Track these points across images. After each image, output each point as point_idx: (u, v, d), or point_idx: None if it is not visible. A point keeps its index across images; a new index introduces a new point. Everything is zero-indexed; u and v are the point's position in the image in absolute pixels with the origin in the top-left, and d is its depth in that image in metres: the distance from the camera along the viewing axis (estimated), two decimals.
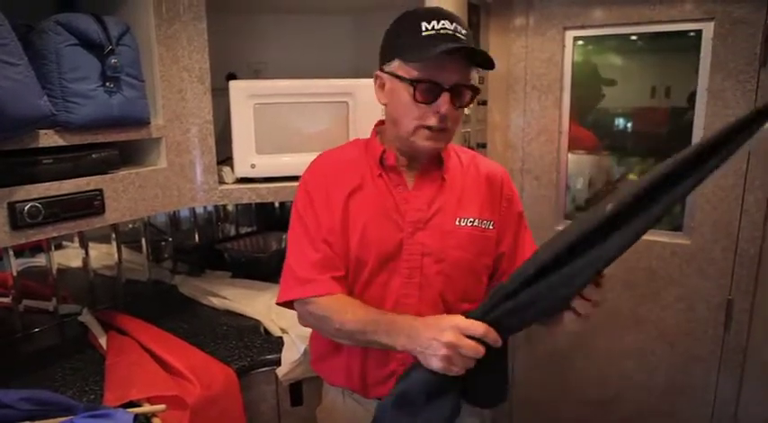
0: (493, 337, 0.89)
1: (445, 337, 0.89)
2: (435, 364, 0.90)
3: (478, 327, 0.89)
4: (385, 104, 1.13)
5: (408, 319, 0.99)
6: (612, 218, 0.81)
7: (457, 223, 1.13)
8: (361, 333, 1.03)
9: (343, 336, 1.08)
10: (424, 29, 1.01)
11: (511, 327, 0.90)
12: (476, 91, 1.07)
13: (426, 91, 1.03)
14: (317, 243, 1.12)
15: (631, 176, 2.18)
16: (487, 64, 1.04)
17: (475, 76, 1.09)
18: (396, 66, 1.06)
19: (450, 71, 1.02)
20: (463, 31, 1.02)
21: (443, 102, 1.02)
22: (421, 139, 1.07)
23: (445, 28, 1.01)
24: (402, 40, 1.05)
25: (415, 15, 1.05)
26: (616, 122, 2.18)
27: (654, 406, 2.11)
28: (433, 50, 0.98)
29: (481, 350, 0.89)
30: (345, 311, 1.06)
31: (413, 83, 1.03)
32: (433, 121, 1.04)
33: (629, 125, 2.17)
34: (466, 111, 1.95)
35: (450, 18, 1.03)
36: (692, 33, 1.86)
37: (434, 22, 1.01)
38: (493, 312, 0.89)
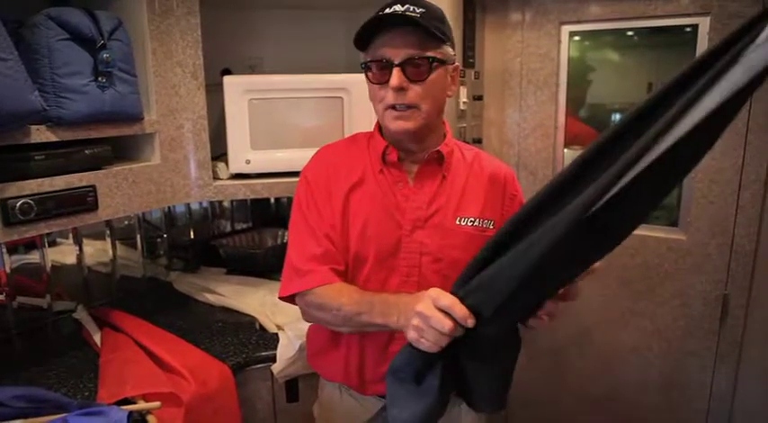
0: (460, 311, 0.83)
1: (418, 307, 0.87)
2: (409, 335, 0.89)
3: (446, 299, 0.85)
4: (372, 100, 1.13)
5: (402, 296, 0.99)
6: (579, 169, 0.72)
7: (457, 222, 1.12)
8: (357, 314, 1.03)
9: (341, 322, 1.07)
10: (375, 15, 1.04)
11: (486, 303, 0.82)
12: (434, 62, 1.05)
13: (377, 70, 1.06)
14: (320, 238, 1.11)
15: None
16: (433, 34, 1.02)
17: (448, 51, 1.08)
18: (362, 57, 1.10)
19: (398, 47, 1.03)
20: (417, 10, 1.03)
21: (393, 75, 1.03)
22: (389, 120, 1.08)
23: (395, 10, 1.03)
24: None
25: (378, 8, 1.07)
26: (612, 118, 2.18)
27: (650, 402, 2.11)
28: (370, 30, 1.03)
29: (447, 323, 0.83)
30: (341, 296, 1.06)
31: (365, 65, 1.08)
32: (390, 98, 1.05)
33: None
34: (461, 106, 1.96)
35: (404, 1, 1.04)
36: (688, 28, 1.86)
37: (387, 9, 1.04)
38: (468, 285, 0.84)
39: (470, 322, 0.83)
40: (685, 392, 2.04)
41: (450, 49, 1.09)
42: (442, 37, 1.05)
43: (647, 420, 2.13)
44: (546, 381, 2.28)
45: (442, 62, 1.07)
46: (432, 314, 0.85)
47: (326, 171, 1.16)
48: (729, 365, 1.94)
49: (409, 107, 1.06)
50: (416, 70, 1.04)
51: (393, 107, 1.06)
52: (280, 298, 1.17)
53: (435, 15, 1.06)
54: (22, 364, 1.40)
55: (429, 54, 1.04)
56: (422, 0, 1.06)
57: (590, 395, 2.21)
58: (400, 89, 1.04)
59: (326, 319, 1.12)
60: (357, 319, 1.04)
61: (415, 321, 0.87)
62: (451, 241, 1.12)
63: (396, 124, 1.07)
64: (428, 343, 0.86)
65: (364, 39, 1.07)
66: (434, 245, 1.11)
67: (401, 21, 1.02)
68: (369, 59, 1.07)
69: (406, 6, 1.03)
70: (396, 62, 1.03)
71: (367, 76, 1.09)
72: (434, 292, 0.87)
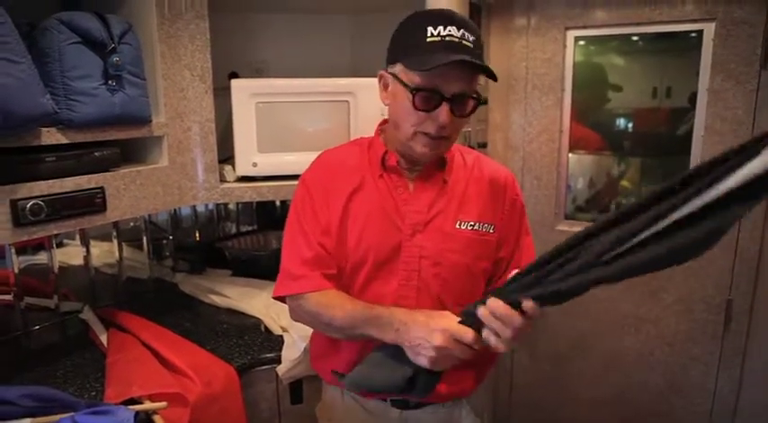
0: (479, 344, 0.92)
1: (436, 341, 0.93)
2: (422, 361, 0.96)
3: (467, 333, 0.92)
4: (388, 105, 1.12)
5: (398, 313, 1.01)
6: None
7: (457, 226, 1.12)
8: (350, 328, 1.05)
9: (333, 331, 1.10)
10: (429, 34, 0.99)
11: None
12: (478, 100, 1.04)
13: (426, 99, 1.01)
14: (312, 242, 1.12)
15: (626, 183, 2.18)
16: (490, 75, 1.02)
17: (481, 81, 1.07)
18: (399, 69, 1.05)
19: (452, 80, 0.99)
20: (471, 38, 1.00)
21: (443, 111, 1.01)
22: (419, 145, 1.06)
23: (451, 35, 0.98)
24: (407, 43, 1.03)
25: (423, 18, 1.02)
26: (617, 123, 2.18)
27: (652, 406, 2.11)
28: (435, 60, 0.96)
29: (469, 353, 0.93)
30: (334, 306, 1.07)
31: (413, 91, 1.01)
32: (431, 129, 1.03)
33: (630, 125, 2.17)
34: None
35: (459, 24, 1.00)
36: (693, 34, 1.86)
37: (441, 28, 0.99)
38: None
39: (478, 347, 0.92)
40: (688, 397, 2.03)
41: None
42: (494, 77, 1.02)
43: None
44: (548, 384, 2.28)
45: (480, 100, 1.06)
46: (453, 347, 0.93)
47: (325, 176, 1.16)
48: (733, 371, 1.93)
49: (442, 137, 1.05)
50: (463, 106, 1.03)
51: (427, 134, 1.04)
52: (273, 297, 1.19)
53: (482, 44, 1.04)
54: (29, 363, 1.42)
55: (476, 93, 1.03)
56: (470, 22, 1.03)
57: (592, 399, 2.21)
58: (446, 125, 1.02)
59: (317, 327, 1.15)
60: (350, 332, 1.06)
61: (432, 353, 0.94)
62: (451, 245, 1.12)
63: (425, 150, 1.06)
64: (443, 366, 0.96)
65: (415, 56, 1.01)
66: (434, 249, 1.11)
67: (460, 52, 0.97)
68: (420, 86, 1.00)
69: (462, 32, 0.99)
70: (447, 96, 1.00)
71: (413, 99, 1.01)
72: (451, 326, 0.94)
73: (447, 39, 0.98)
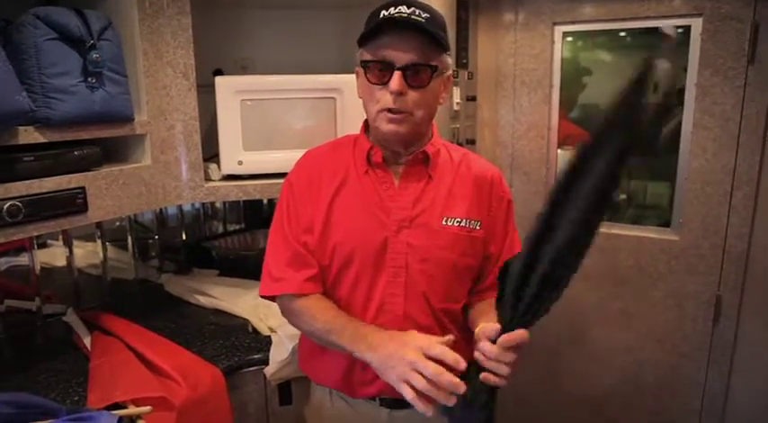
0: (451, 357, 0.90)
1: (408, 355, 0.92)
2: (390, 377, 0.94)
3: (437, 347, 0.91)
4: (360, 97, 1.13)
5: (372, 328, 1.04)
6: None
7: (443, 223, 1.12)
8: (326, 333, 1.07)
9: (310, 336, 1.14)
10: (381, 15, 1.03)
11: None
12: (433, 69, 1.05)
13: (377, 71, 1.04)
14: (290, 241, 1.14)
15: None
16: (437, 41, 1.03)
17: (447, 60, 1.08)
18: (358, 54, 1.09)
19: (401, 51, 1.02)
20: (423, 15, 1.02)
21: (394, 79, 1.02)
22: (383, 122, 1.07)
23: (401, 12, 1.01)
24: (364, 29, 1.07)
25: (381, 5, 1.06)
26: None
27: (643, 403, 2.12)
28: (375, 30, 1.01)
29: (440, 372, 0.89)
30: (316, 315, 1.10)
31: (365, 64, 1.06)
32: (388, 101, 1.04)
33: None
34: (454, 107, 1.95)
35: (410, 4, 1.03)
36: (680, 30, 1.86)
37: (392, 9, 1.02)
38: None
39: (462, 366, 0.89)
40: (678, 393, 2.04)
41: (448, 59, 1.09)
42: (445, 46, 1.06)
43: (640, 420, 2.14)
44: (539, 381, 2.28)
45: (441, 71, 1.07)
46: (426, 364, 0.90)
47: (309, 175, 1.16)
48: (722, 366, 1.94)
49: (403, 112, 1.05)
50: (417, 77, 1.04)
51: (389, 110, 1.05)
52: (260, 296, 1.21)
53: (439, 23, 1.06)
54: (9, 368, 1.38)
55: (432, 62, 1.04)
56: (427, 5, 1.06)
57: (583, 395, 2.22)
58: (399, 94, 1.03)
59: (301, 329, 1.19)
60: (326, 338, 1.08)
61: (402, 367, 0.92)
62: (438, 241, 1.12)
63: (388, 127, 1.07)
64: (419, 385, 0.90)
65: (366, 36, 1.05)
66: (421, 245, 1.11)
67: (407, 24, 1.01)
68: (369, 59, 1.05)
69: (412, 9, 1.02)
70: (398, 66, 1.02)
71: (365, 75, 1.07)
72: (423, 341, 0.94)
73: (396, 15, 1.02)
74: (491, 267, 1.19)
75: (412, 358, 0.91)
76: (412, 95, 1.04)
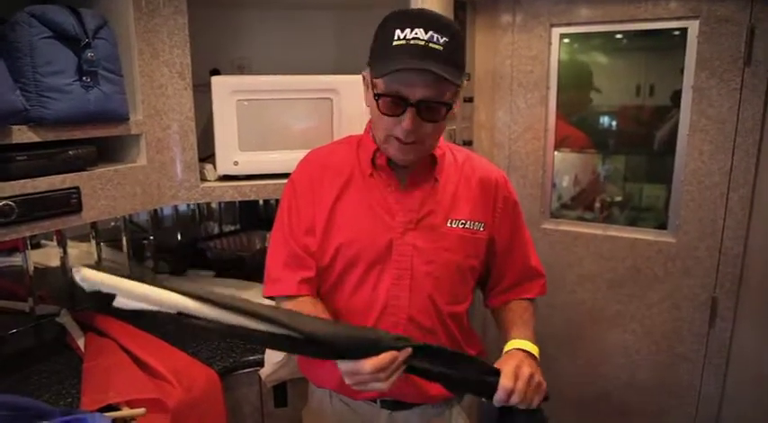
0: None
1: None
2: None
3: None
4: (368, 107, 1.10)
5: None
6: None
7: (448, 225, 1.12)
8: None
9: None
10: (396, 37, 0.96)
11: None
12: (448, 107, 1.01)
13: (390, 105, 1.00)
14: (288, 241, 1.13)
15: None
16: (454, 74, 0.98)
17: (461, 82, 1.02)
18: (368, 73, 1.05)
19: (415, 86, 0.96)
20: (441, 40, 0.95)
21: (407, 117, 0.98)
22: (392, 149, 1.06)
23: (417, 38, 0.95)
24: (376, 47, 1.02)
25: (394, 20, 0.99)
26: (601, 120, 2.18)
27: (638, 404, 2.11)
28: (392, 65, 0.94)
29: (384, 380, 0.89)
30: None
31: (375, 96, 1.01)
32: (399, 134, 1.01)
33: (614, 123, 2.17)
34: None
35: (428, 26, 0.96)
36: (676, 32, 1.86)
37: (408, 31, 0.95)
38: None
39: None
40: (674, 395, 2.04)
41: (463, 80, 1.03)
42: (461, 77, 1.00)
43: (636, 422, 2.13)
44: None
45: (455, 102, 1.03)
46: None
47: (312, 175, 1.15)
48: (718, 368, 1.94)
49: (415, 142, 1.03)
50: (431, 112, 1.00)
51: (398, 139, 1.02)
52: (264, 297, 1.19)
53: (457, 45, 0.98)
54: (2, 370, 1.37)
55: (446, 99, 1.00)
56: (445, 22, 0.99)
57: (579, 397, 2.21)
58: (412, 130, 1.00)
59: None
60: None
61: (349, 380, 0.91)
62: (443, 243, 1.11)
63: (397, 155, 1.06)
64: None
65: (379, 62, 0.99)
66: (426, 247, 1.10)
67: (425, 55, 0.94)
68: (382, 92, 0.99)
69: (430, 35, 0.95)
70: (411, 102, 0.97)
71: (377, 104, 1.01)
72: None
73: (412, 42, 0.95)
74: (506, 268, 1.22)
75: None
76: (425, 127, 1.01)
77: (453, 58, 0.97)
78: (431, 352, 0.93)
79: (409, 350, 0.89)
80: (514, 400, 0.96)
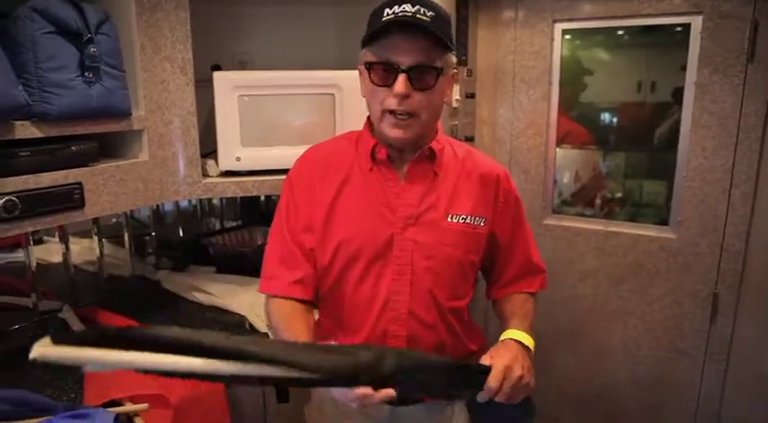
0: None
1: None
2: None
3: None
4: (364, 96, 1.11)
5: None
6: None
7: (449, 220, 1.12)
8: None
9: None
10: (385, 14, 1.01)
11: None
12: (439, 72, 1.03)
13: (381, 73, 1.03)
14: (285, 238, 1.13)
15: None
16: (443, 42, 1.02)
17: (452, 58, 1.07)
18: (362, 54, 1.07)
19: (405, 52, 1.00)
20: (428, 13, 0.99)
21: (399, 81, 1.00)
22: (387, 126, 1.06)
23: (405, 11, 0.99)
24: (368, 28, 1.05)
25: (384, 2, 1.04)
26: (602, 117, 2.18)
27: (639, 400, 2.12)
28: (382, 34, 1.00)
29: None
30: (285, 328, 1.07)
31: (369, 66, 1.04)
32: (392, 103, 1.02)
33: (615, 120, 2.17)
34: (454, 104, 1.95)
35: (415, 2, 1.00)
36: (679, 28, 1.86)
37: (396, 7, 1.00)
38: None
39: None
40: (674, 390, 2.05)
41: (453, 57, 1.07)
42: (450, 46, 1.04)
43: (636, 418, 2.14)
44: (535, 377, 2.28)
45: (446, 71, 1.06)
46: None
47: (311, 172, 1.15)
48: (718, 364, 1.95)
49: (409, 115, 1.04)
50: (422, 79, 1.02)
51: (392, 112, 1.04)
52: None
53: (445, 20, 1.04)
54: (5, 365, 1.37)
55: (437, 64, 1.02)
56: (431, 3, 1.03)
57: (579, 392, 2.22)
58: (404, 96, 1.01)
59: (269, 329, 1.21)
60: None
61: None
62: (444, 238, 1.11)
63: (393, 132, 1.06)
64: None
65: (370, 37, 1.03)
66: (427, 242, 1.10)
67: (412, 25, 0.98)
68: (373, 60, 1.03)
69: (417, 8, 0.99)
70: (402, 68, 1.00)
71: (369, 75, 1.05)
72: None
73: (400, 14, 0.99)
74: (507, 263, 1.23)
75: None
76: (417, 97, 1.03)
77: (441, 30, 1.01)
78: (413, 363, 0.88)
79: (390, 393, 0.85)
80: (498, 399, 0.97)
